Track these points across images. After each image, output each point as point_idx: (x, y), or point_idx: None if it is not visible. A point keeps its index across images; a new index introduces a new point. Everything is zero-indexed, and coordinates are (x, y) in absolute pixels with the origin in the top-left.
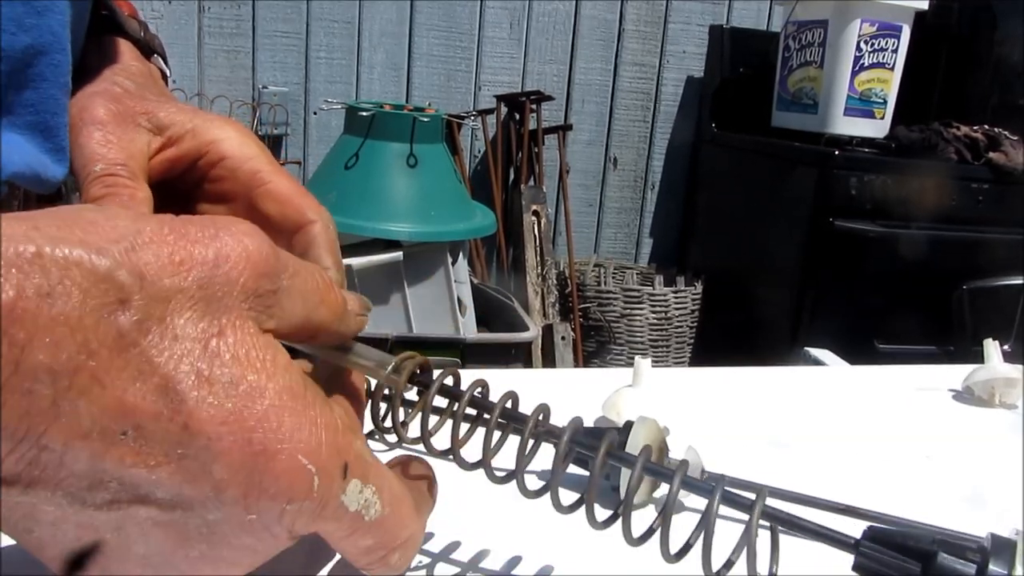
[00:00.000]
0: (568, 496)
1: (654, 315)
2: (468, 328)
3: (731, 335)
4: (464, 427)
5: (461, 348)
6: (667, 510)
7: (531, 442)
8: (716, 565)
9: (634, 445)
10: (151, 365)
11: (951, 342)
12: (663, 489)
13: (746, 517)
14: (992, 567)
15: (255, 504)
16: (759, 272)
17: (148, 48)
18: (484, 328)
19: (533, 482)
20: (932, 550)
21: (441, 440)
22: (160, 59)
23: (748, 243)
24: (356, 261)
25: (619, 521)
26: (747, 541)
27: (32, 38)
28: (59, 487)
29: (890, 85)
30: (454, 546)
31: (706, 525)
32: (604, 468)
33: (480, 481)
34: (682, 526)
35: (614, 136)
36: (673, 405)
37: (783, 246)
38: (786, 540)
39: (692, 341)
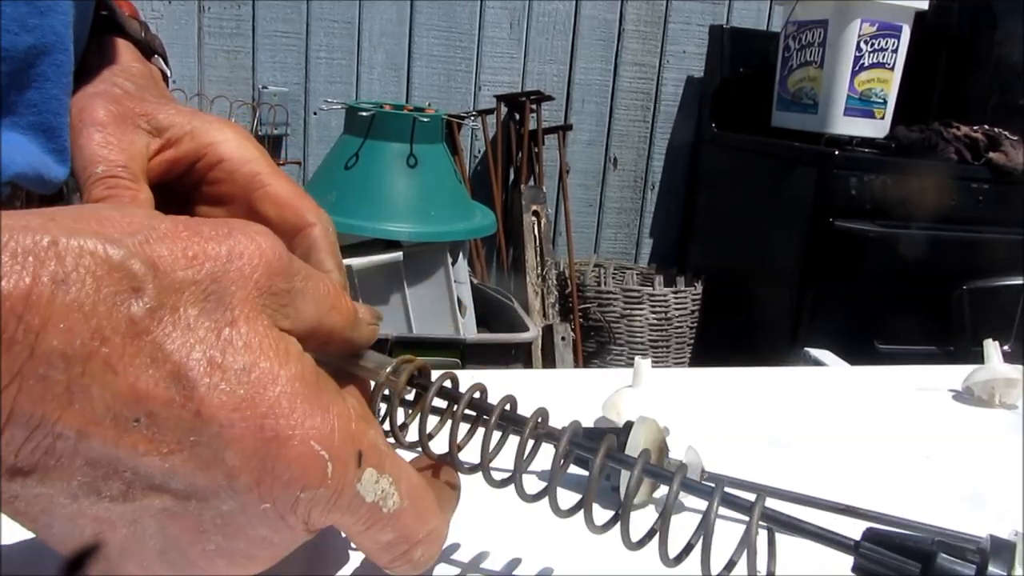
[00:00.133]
0: (568, 497)
1: (654, 315)
2: (468, 328)
3: (731, 335)
4: (463, 431)
5: (461, 348)
6: (665, 514)
7: (529, 446)
8: (716, 567)
9: (634, 445)
10: (163, 352)
11: (951, 342)
12: (663, 489)
13: (745, 518)
14: (991, 568)
15: (268, 492)
16: (759, 272)
17: (148, 48)
18: (484, 328)
19: (534, 483)
20: (932, 551)
21: (440, 444)
22: (160, 59)
23: (748, 243)
24: (356, 261)
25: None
26: (747, 544)
27: (35, 38)
28: (74, 477)
29: (890, 85)
30: (454, 547)
31: (705, 528)
32: (603, 471)
33: (482, 483)
34: (682, 527)
35: (614, 136)
36: (673, 405)
37: (783, 246)
38: (786, 541)
39: (692, 341)
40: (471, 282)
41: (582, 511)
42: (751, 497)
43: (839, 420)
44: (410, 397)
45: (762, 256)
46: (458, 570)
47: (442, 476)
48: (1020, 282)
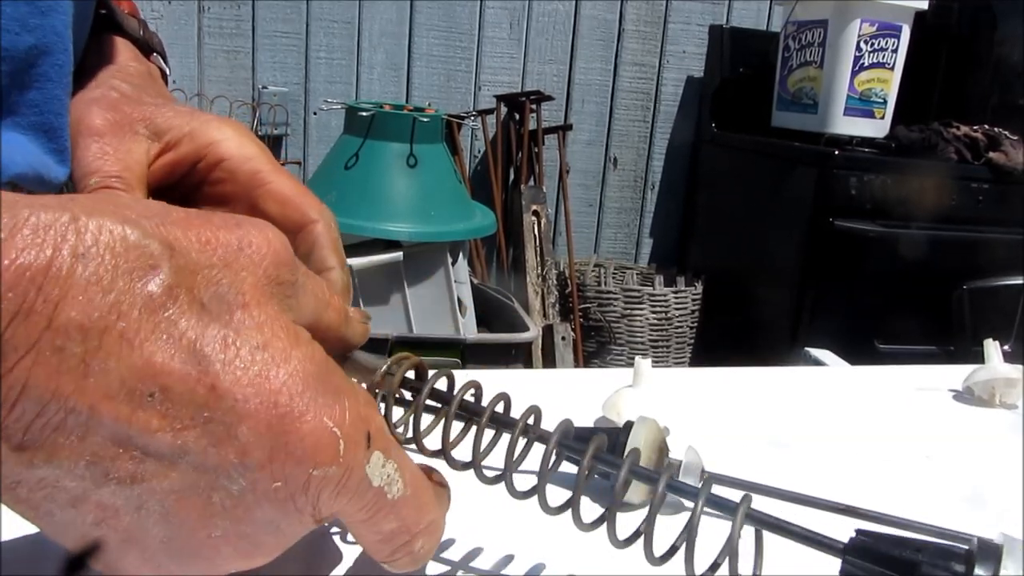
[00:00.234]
0: (562, 495)
1: (654, 315)
2: (468, 328)
3: (731, 335)
4: (456, 429)
5: (461, 348)
6: (651, 515)
7: (521, 445)
8: (702, 567)
9: (634, 445)
10: (179, 329)
11: (951, 342)
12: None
13: (746, 521)
14: (978, 571)
15: (281, 469)
16: (759, 272)
17: (147, 46)
18: (484, 328)
19: (530, 481)
20: (916, 559)
21: (434, 443)
22: (159, 57)
23: (748, 243)
24: (356, 261)
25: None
26: (730, 546)
27: (36, 38)
28: (83, 456)
29: (890, 85)
30: (449, 543)
31: (690, 529)
32: (592, 472)
33: (476, 481)
34: (677, 527)
35: (614, 136)
36: (673, 405)
37: (783, 246)
38: (779, 541)
39: (692, 341)
40: (471, 282)
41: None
42: (729, 491)
43: (839, 420)
44: (409, 396)
45: (762, 256)
46: (450, 568)
47: (433, 478)
48: (1020, 282)
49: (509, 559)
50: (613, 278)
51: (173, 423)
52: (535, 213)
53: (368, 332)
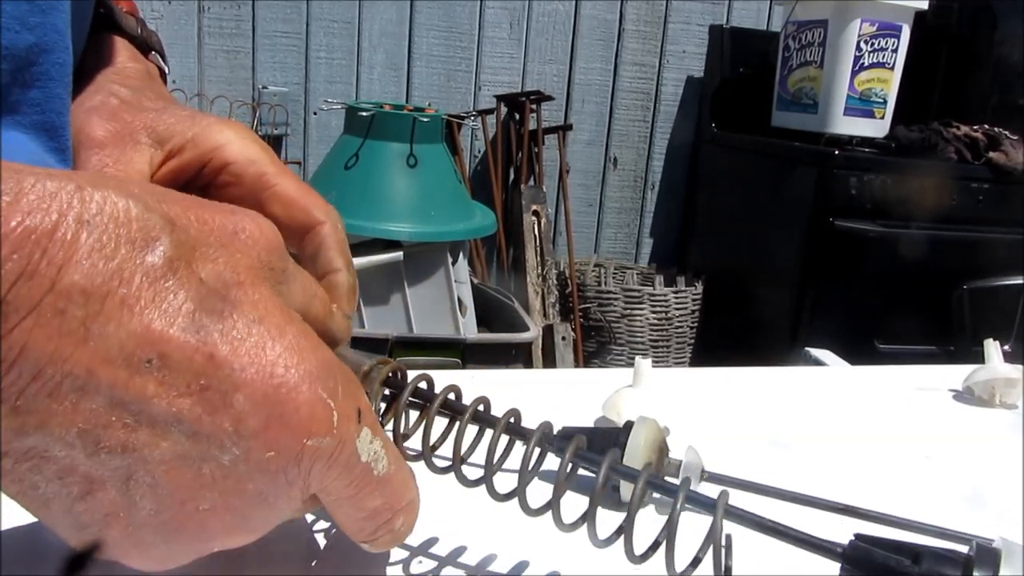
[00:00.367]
0: (545, 495)
1: (654, 315)
2: (468, 328)
3: (731, 335)
4: (437, 432)
5: (461, 348)
6: (630, 513)
7: (502, 447)
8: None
9: (634, 445)
10: (179, 299)
11: (951, 342)
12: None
13: (745, 522)
14: (976, 574)
15: (276, 438)
16: (759, 272)
17: (145, 45)
18: (484, 328)
19: (513, 482)
20: (913, 572)
21: (415, 445)
22: (158, 56)
23: (748, 243)
24: (356, 261)
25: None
26: (712, 540)
27: (36, 36)
28: (75, 424)
29: (890, 85)
30: (432, 541)
31: (669, 527)
32: (574, 471)
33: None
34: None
35: (614, 136)
36: (673, 405)
37: (783, 246)
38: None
39: (692, 341)
40: (471, 282)
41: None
42: (745, 494)
43: (839, 420)
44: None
45: (762, 256)
46: (436, 564)
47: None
48: (1020, 282)
49: (491, 559)
50: (613, 278)
51: (169, 390)
52: (535, 213)
53: (351, 327)
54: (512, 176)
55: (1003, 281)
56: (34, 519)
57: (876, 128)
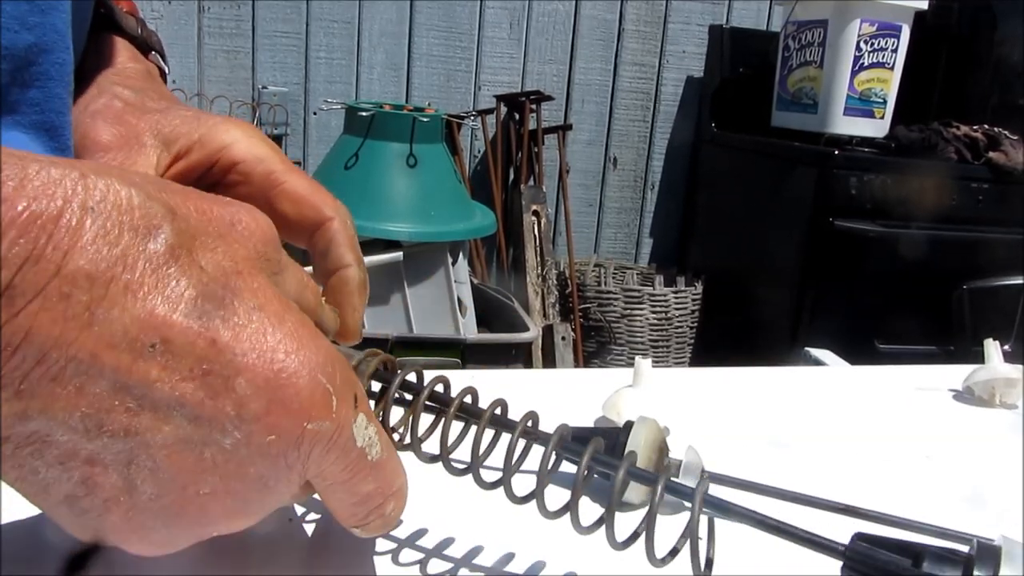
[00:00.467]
0: (560, 498)
1: (654, 315)
2: (468, 328)
3: (731, 335)
4: (425, 422)
5: (461, 348)
6: (612, 503)
7: (488, 438)
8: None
9: (634, 445)
10: (181, 286)
11: (951, 342)
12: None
13: (742, 523)
14: (977, 571)
15: (277, 422)
16: (759, 272)
17: (145, 45)
18: (484, 328)
19: (528, 484)
20: (914, 571)
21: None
22: (158, 56)
23: (748, 243)
24: None
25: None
26: (690, 530)
27: (36, 36)
28: (78, 408)
29: (890, 85)
30: (448, 542)
31: (649, 517)
32: (558, 461)
33: (465, 479)
34: (677, 528)
35: (614, 136)
36: (673, 405)
37: (783, 246)
38: (781, 540)
39: (692, 341)
40: (471, 282)
41: (559, 504)
42: (740, 490)
43: (839, 420)
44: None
45: (762, 256)
46: (452, 565)
47: None
48: (1020, 282)
49: (478, 551)
50: (613, 278)
51: (172, 374)
52: (535, 213)
53: (338, 320)
54: (512, 176)
55: (1003, 281)
56: (34, 519)
57: (876, 128)
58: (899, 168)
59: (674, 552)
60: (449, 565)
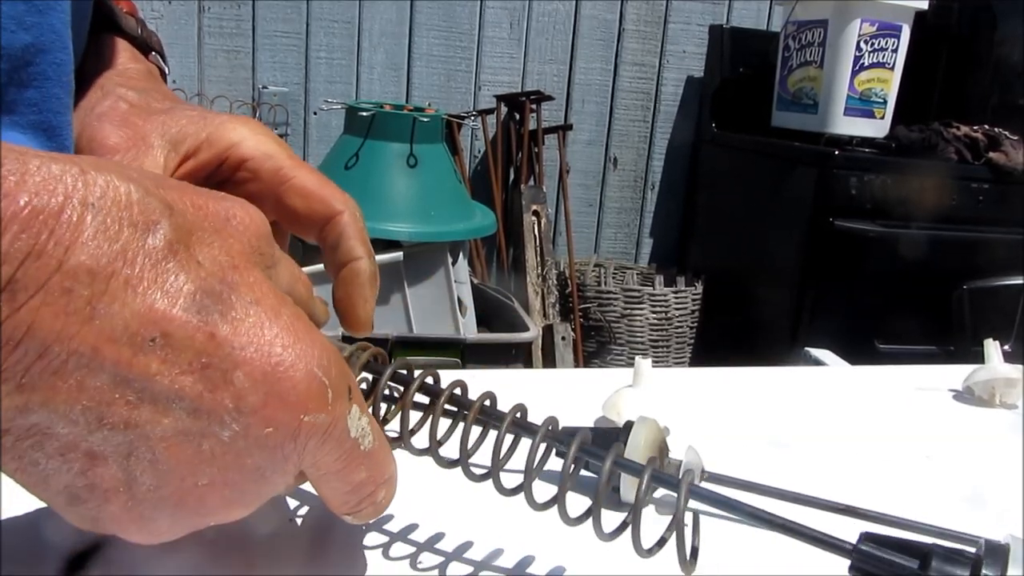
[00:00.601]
0: (539, 486)
1: (654, 315)
2: (468, 328)
3: (731, 335)
4: (414, 417)
5: (461, 348)
6: (598, 495)
7: (477, 432)
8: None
9: (634, 445)
10: (180, 280)
11: (951, 342)
12: (663, 490)
13: (750, 522)
14: (985, 571)
15: (274, 414)
16: (759, 272)
17: (146, 46)
18: (484, 328)
19: (516, 477)
20: (921, 572)
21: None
22: (158, 56)
23: (748, 243)
24: None
25: (601, 518)
26: (675, 521)
27: (33, 36)
28: (79, 401)
29: (890, 85)
30: (439, 536)
31: (635, 510)
32: (547, 452)
33: (462, 475)
34: (666, 519)
35: (614, 136)
36: (673, 405)
37: (783, 246)
38: (785, 540)
39: (692, 341)
40: (471, 282)
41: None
42: (729, 491)
43: (839, 420)
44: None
45: (762, 256)
46: (443, 559)
47: None
48: (1020, 282)
49: (468, 546)
50: (613, 278)
51: (171, 368)
52: (535, 213)
53: (328, 313)
54: (512, 176)
55: (1003, 281)
56: (33, 517)
57: (876, 128)
58: (899, 168)
59: (661, 543)
60: (440, 559)
